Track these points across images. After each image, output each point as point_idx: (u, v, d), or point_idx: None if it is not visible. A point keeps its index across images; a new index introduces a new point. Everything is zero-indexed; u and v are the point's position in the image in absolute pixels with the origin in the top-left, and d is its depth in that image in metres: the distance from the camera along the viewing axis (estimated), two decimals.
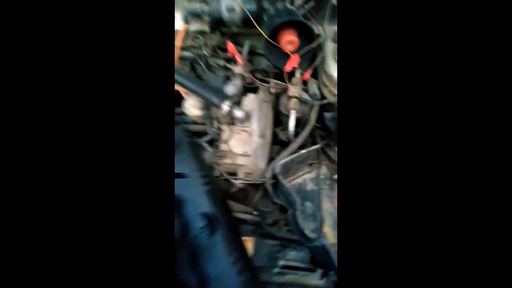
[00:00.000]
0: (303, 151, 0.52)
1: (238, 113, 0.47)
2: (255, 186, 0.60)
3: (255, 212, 0.58)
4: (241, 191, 0.59)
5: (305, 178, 0.59)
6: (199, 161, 0.27)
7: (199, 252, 0.23)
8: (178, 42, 0.54)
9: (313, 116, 0.56)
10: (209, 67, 0.62)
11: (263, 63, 0.66)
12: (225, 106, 0.46)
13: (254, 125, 0.49)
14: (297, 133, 0.55)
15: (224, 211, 0.25)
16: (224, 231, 0.24)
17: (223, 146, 0.52)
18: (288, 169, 0.54)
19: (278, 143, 0.59)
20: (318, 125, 0.59)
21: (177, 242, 0.23)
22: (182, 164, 0.26)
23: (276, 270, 0.51)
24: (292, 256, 0.54)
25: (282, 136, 0.58)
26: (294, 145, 0.53)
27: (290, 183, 0.57)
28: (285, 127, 0.56)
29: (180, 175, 0.26)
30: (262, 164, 0.52)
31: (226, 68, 0.64)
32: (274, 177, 0.51)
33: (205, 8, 0.50)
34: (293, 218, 0.50)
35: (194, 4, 0.52)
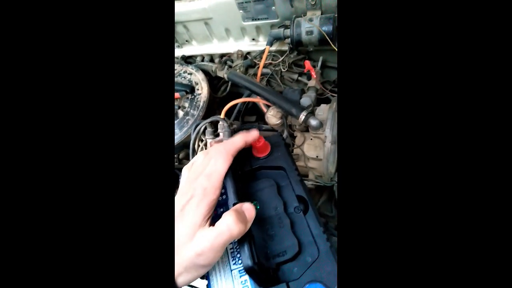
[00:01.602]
0: None
1: (313, 122, 0.54)
2: (321, 190, 0.65)
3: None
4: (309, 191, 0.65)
5: None
6: (291, 157, 0.35)
7: (295, 224, 0.30)
8: (262, 62, 0.64)
9: None
10: (283, 81, 0.70)
11: (333, 75, 0.72)
12: (302, 116, 0.53)
13: (327, 132, 0.55)
14: None
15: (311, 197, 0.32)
16: (314, 210, 0.31)
17: (296, 150, 0.59)
18: None
19: None
20: None
21: (281, 216, 0.30)
22: (280, 159, 0.35)
23: None
24: None
25: None
26: None
27: None
28: None
29: (280, 168, 0.34)
30: (332, 168, 0.57)
31: (298, 81, 0.71)
32: None
33: (287, 32, 0.59)
34: None
35: (278, 29, 0.61)
